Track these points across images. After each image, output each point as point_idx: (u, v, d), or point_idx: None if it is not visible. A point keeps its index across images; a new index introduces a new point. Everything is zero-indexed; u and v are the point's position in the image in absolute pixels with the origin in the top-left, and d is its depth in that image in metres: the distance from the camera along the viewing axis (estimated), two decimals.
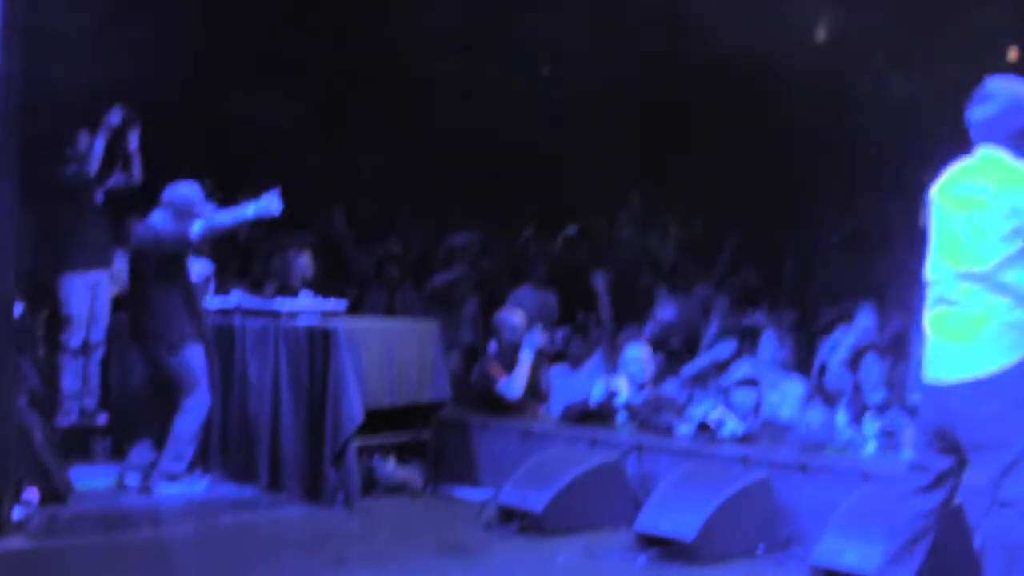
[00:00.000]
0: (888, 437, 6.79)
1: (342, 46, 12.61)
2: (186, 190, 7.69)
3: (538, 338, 8.23)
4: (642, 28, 11.30)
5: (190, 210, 7.57)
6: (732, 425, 6.98)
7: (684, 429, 7.14)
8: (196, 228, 7.49)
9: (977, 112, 4.49)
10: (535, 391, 8.32)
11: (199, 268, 8.22)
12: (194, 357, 7.61)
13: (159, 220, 7.65)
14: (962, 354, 4.38)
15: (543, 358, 8.43)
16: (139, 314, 7.77)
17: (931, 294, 4.54)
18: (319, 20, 12.50)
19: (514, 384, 8.10)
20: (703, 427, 7.05)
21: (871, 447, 6.76)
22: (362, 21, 12.30)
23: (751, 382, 7.39)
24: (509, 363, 8.22)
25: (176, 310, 7.58)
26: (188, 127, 9.66)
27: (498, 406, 8.15)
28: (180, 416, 7.55)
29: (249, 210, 7.44)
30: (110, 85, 8.91)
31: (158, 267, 7.57)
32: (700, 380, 8.24)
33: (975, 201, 4.40)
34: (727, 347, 8.36)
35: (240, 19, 11.69)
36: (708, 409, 7.14)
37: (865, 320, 8.02)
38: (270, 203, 7.39)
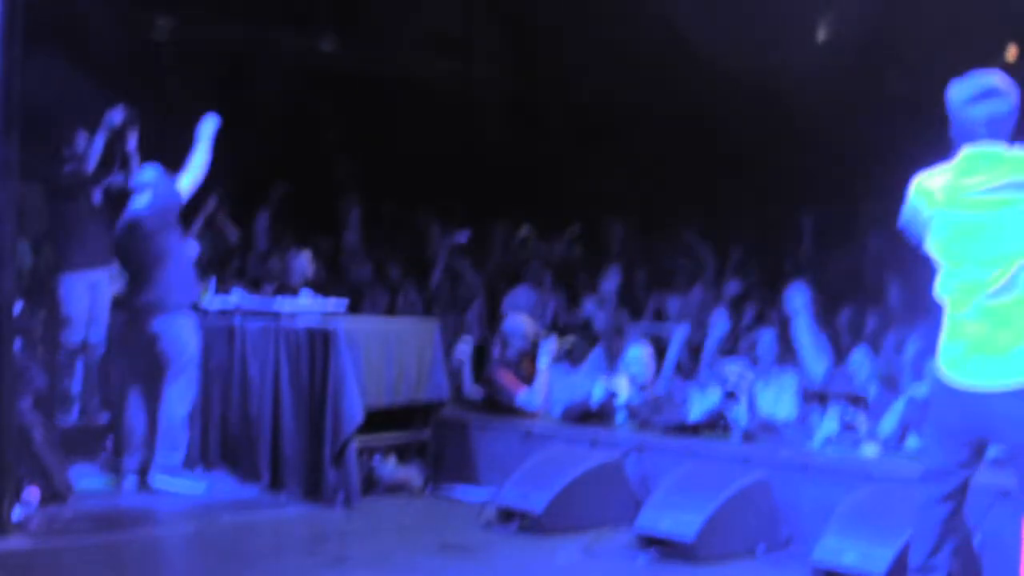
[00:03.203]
0: (848, 430, 6.83)
1: (348, 49, 12.65)
2: (148, 171, 7.78)
3: (554, 346, 8.21)
4: (643, 35, 11.31)
5: (162, 182, 7.68)
6: (741, 411, 7.02)
7: (696, 414, 7.15)
8: (183, 184, 7.63)
9: (988, 108, 4.36)
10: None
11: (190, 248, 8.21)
12: (185, 330, 7.59)
13: (142, 202, 7.69)
14: (1008, 361, 4.26)
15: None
16: (135, 289, 7.77)
17: (964, 298, 4.36)
18: (325, 25, 12.54)
19: (535, 397, 8.07)
20: (714, 420, 7.05)
21: (820, 438, 6.85)
22: (368, 24, 12.33)
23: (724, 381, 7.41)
24: (517, 370, 8.22)
25: (182, 279, 7.62)
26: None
27: (505, 411, 8.12)
28: (165, 406, 7.54)
29: (207, 135, 7.68)
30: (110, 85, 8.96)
31: (159, 238, 7.59)
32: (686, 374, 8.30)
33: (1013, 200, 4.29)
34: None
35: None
36: (719, 397, 7.14)
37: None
38: (210, 121, 7.69)
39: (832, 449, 6.79)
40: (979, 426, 4.36)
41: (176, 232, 7.73)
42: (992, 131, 4.37)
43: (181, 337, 7.57)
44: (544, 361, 8.11)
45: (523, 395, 8.07)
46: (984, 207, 4.33)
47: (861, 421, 6.87)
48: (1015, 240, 4.28)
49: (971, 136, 4.40)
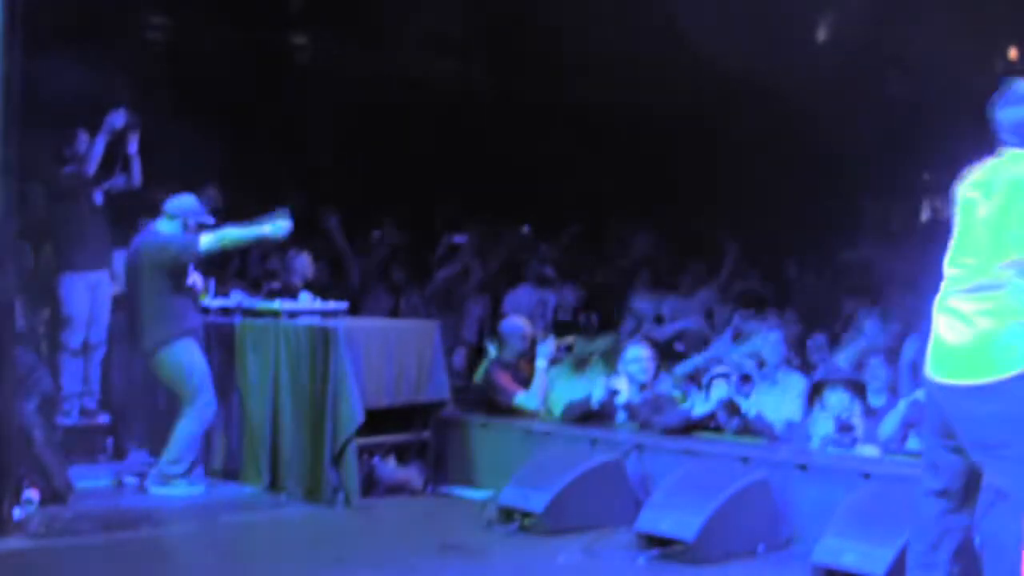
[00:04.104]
0: (844, 431, 6.84)
1: (346, 49, 12.65)
2: (187, 202, 7.76)
3: (551, 348, 8.22)
4: (644, 35, 11.30)
5: (196, 221, 7.66)
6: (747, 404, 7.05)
7: (701, 408, 7.15)
8: (205, 241, 7.56)
9: (1010, 114, 4.39)
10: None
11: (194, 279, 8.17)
12: (184, 356, 7.58)
13: (166, 228, 7.69)
14: (971, 357, 4.30)
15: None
16: (132, 316, 7.79)
17: (943, 294, 4.45)
18: (325, 23, 12.55)
19: (533, 398, 8.07)
20: (730, 405, 7.06)
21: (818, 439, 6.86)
22: (367, 24, 12.33)
23: (726, 375, 7.40)
24: (515, 371, 8.22)
25: (164, 312, 7.56)
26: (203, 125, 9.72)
27: (503, 412, 8.12)
28: (182, 420, 7.55)
29: (265, 229, 7.57)
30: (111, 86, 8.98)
31: (156, 272, 7.58)
32: (694, 379, 8.27)
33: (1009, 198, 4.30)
34: (723, 344, 8.38)
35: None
36: (727, 390, 7.15)
37: (872, 327, 8.08)
38: (282, 224, 7.55)
39: (832, 449, 6.80)
40: (948, 420, 4.40)
41: (184, 270, 7.69)
42: (1017, 136, 4.39)
43: (180, 366, 7.57)
44: (542, 362, 8.11)
45: (521, 396, 8.07)
46: (976, 205, 4.37)
47: (858, 421, 6.86)
48: (997, 239, 4.30)
49: (1000, 139, 4.45)
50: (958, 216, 4.48)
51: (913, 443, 6.78)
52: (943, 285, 4.46)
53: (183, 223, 7.67)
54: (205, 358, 7.71)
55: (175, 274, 7.62)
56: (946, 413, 4.42)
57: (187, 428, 7.56)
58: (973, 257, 4.36)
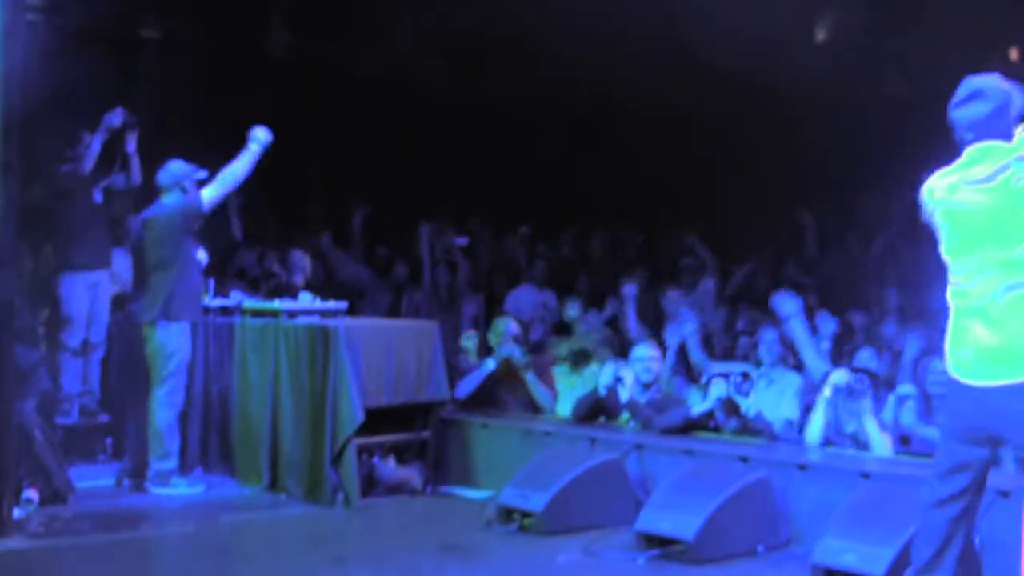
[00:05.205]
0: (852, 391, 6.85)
1: (343, 49, 12.66)
2: (175, 167, 7.76)
3: (509, 350, 8.20)
4: (643, 35, 11.31)
5: (191, 181, 7.68)
6: (746, 403, 7.05)
7: (700, 407, 7.15)
8: (208, 194, 7.61)
9: (970, 111, 4.40)
10: (528, 403, 8.27)
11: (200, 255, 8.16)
12: (175, 339, 7.57)
13: (169, 200, 7.71)
14: (1010, 355, 4.25)
15: (526, 369, 8.29)
16: (137, 284, 7.82)
17: (966, 294, 4.37)
18: (322, 22, 12.55)
19: (462, 386, 8.17)
20: (729, 404, 7.06)
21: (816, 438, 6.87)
22: (365, 23, 12.34)
23: (725, 375, 7.40)
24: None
25: (173, 291, 7.56)
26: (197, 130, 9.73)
27: (483, 406, 8.16)
28: (154, 416, 7.55)
29: (253, 148, 7.61)
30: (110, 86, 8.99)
31: (166, 243, 7.60)
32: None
33: (1000, 183, 4.28)
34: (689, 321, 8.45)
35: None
36: (726, 389, 7.14)
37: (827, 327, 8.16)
38: (261, 135, 7.63)
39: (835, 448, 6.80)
40: (988, 423, 4.32)
41: (190, 239, 7.72)
42: (978, 133, 4.39)
43: (168, 346, 7.56)
44: (489, 362, 8.15)
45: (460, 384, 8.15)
46: (984, 195, 4.32)
47: (863, 387, 6.80)
48: (1007, 224, 4.26)
49: (962, 138, 4.44)
50: (950, 224, 4.39)
51: (907, 417, 6.81)
52: (964, 290, 4.37)
53: (180, 189, 7.69)
54: (191, 348, 7.70)
55: (185, 243, 7.64)
56: (987, 416, 4.31)
57: (161, 420, 7.54)
58: (998, 248, 4.28)
